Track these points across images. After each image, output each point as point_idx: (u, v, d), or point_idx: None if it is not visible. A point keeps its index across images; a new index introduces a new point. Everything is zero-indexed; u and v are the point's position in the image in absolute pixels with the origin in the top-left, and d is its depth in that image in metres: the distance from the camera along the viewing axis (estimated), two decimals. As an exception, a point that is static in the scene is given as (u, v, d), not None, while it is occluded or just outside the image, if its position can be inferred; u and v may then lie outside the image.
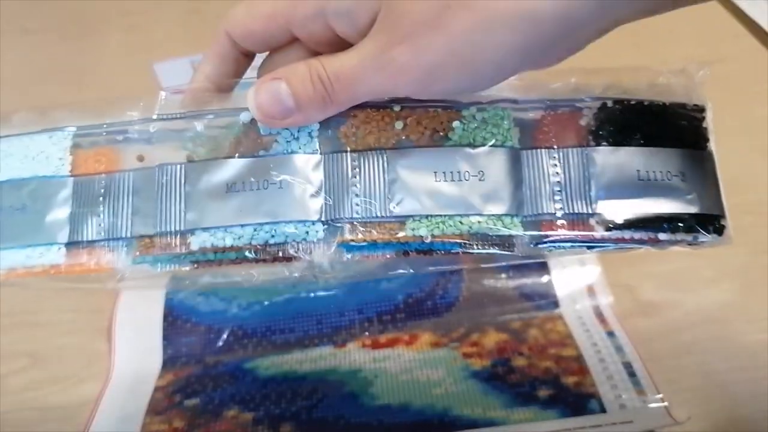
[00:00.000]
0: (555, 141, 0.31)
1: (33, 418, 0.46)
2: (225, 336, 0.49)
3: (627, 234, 0.30)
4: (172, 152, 0.31)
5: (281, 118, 0.29)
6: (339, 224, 0.30)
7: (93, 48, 0.72)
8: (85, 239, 0.31)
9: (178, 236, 0.30)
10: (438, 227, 0.29)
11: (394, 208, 0.29)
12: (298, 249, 0.30)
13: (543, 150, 0.31)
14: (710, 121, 0.31)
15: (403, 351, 0.47)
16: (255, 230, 0.29)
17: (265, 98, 0.29)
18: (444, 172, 0.30)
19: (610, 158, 0.30)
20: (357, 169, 0.30)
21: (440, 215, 0.29)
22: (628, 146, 0.30)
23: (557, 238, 0.30)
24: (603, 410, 0.42)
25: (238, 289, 0.50)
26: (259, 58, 0.33)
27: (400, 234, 0.29)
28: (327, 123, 0.30)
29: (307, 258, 0.30)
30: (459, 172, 0.30)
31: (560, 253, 0.31)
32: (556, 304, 0.49)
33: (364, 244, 0.30)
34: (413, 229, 0.29)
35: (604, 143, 0.30)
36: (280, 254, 0.30)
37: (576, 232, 0.30)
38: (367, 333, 0.49)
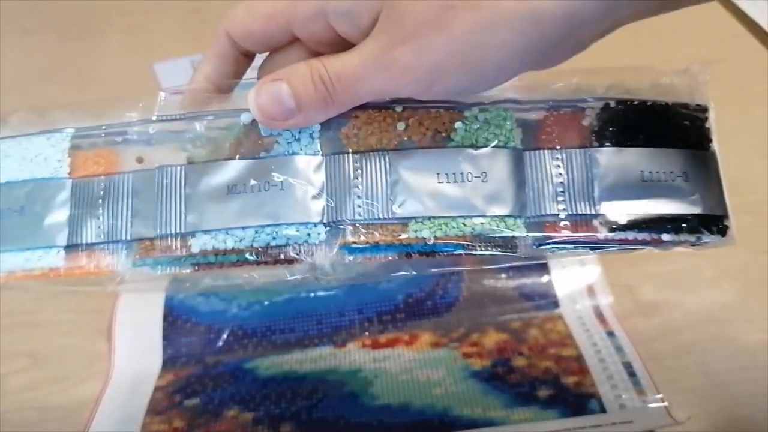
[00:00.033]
0: (558, 142, 0.30)
1: (33, 418, 0.45)
2: (225, 336, 0.48)
3: (630, 235, 0.30)
4: (171, 154, 0.30)
5: (282, 119, 0.29)
6: (341, 226, 0.29)
7: (93, 48, 0.72)
8: (84, 242, 0.30)
9: (179, 239, 0.29)
10: (441, 229, 0.29)
11: (396, 209, 0.29)
12: (299, 251, 0.29)
13: (546, 151, 0.30)
14: (713, 122, 0.31)
15: (403, 351, 0.47)
16: (256, 232, 0.29)
17: (266, 99, 0.28)
18: (446, 174, 0.29)
19: (613, 159, 0.30)
20: (359, 171, 0.30)
21: (443, 217, 0.29)
22: (632, 147, 0.30)
23: (560, 239, 0.30)
24: (603, 410, 0.42)
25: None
26: (259, 59, 0.32)
27: (403, 236, 0.29)
28: (328, 124, 0.30)
29: (308, 260, 0.29)
30: (461, 173, 0.29)
31: (563, 255, 0.30)
32: (556, 304, 0.49)
33: (366, 246, 0.29)
34: (416, 231, 0.29)
35: (607, 144, 0.30)
36: (282, 256, 0.29)
37: (579, 234, 0.30)
38: (367, 333, 0.48)
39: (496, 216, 0.29)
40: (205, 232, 0.29)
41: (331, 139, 0.30)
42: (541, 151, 0.30)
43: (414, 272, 0.31)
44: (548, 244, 0.30)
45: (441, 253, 0.30)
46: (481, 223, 0.29)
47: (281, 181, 0.29)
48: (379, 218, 0.29)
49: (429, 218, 0.29)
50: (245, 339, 0.48)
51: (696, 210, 0.30)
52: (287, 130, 0.30)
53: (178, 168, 0.30)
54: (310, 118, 0.29)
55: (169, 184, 0.30)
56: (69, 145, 0.31)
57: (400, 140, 0.30)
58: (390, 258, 0.30)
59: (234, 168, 0.29)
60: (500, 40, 0.25)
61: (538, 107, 0.31)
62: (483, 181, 0.29)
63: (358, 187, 0.29)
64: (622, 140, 0.30)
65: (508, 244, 0.30)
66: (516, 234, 0.29)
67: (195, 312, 0.49)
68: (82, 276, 0.30)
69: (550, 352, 0.46)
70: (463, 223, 0.29)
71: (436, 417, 0.42)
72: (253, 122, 0.30)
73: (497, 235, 0.29)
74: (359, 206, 0.29)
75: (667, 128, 0.31)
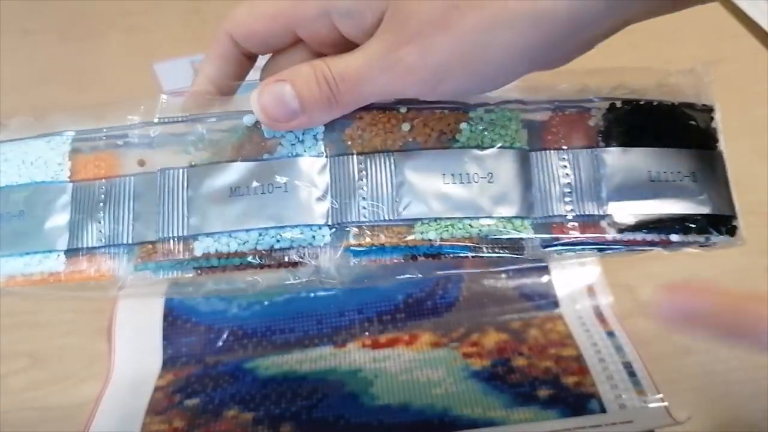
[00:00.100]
0: (564, 142, 0.30)
1: (33, 418, 0.45)
2: (225, 336, 0.48)
3: (639, 236, 0.29)
4: (173, 156, 0.30)
5: (286, 121, 0.28)
6: (346, 228, 0.29)
7: (93, 48, 0.71)
8: (85, 246, 0.30)
9: (181, 242, 0.29)
10: (447, 230, 0.29)
11: (401, 211, 0.29)
12: (303, 254, 0.29)
13: (552, 151, 0.30)
14: (719, 121, 0.31)
15: (403, 351, 0.47)
16: (260, 235, 0.28)
17: (269, 100, 0.28)
18: (452, 174, 0.29)
19: (620, 159, 0.29)
20: (363, 172, 0.29)
21: (449, 218, 0.29)
22: (638, 147, 0.30)
23: (568, 240, 0.29)
24: (603, 410, 0.41)
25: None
26: (261, 60, 0.32)
27: (409, 237, 0.29)
28: (332, 125, 0.29)
29: (313, 263, 0.29)
30: (467, 174, 0.29)
31: (570, 257, 0.30)
32: (556, 304, 0.49)
33: (372, 248, 0.29)
34: (422, 233, 0.28)
35: (614, 144, 0.30)
36: (286, 259, 0.29)
37: (587, 235, 0.29)
38: (367, 333, 0.48)
39: (502, 217, 0.29)
40: (208, 235, 0.29)
41: (335, 141, 0.29)
42: (548, 151, 0.30)
43: (420, 275, 0.31)
44: (555, 245, 0.29)
45: (447, 255, 0.29)
46: (488, 225, 0.29)
47: (285, 183, 0.29)
48: (385, 220, 0.29)
49: (435, 220, 0.29)
50: (245, 339, 0.48)
51: (704, 210, 0.29)
52: (291, 131, 0.29)
53: (180, 170, 0.29)
54: (314, 120, 0.29)
55: (170, 186, 0.29)
56: (69, 149, 0.31)
57: (405, 141, 0.29)
58: (395, 260, 0.30)
59: (236, 170, 0.29)
60: (506, 41, 0.25)
61: (544, 108, 0.31)
62: (489, 182, 0.29)
63: (363, 188, 0.29)
64: (628, 140, 0.30)
65: (515, 245, 0.29)
66: (523, 235, 0.29)
67: (195, 312, 0.49)
68: (82, 280, 0.30)
69: (550, 352, 0.45)
70: (470, 225, 0.29)
71: (436, 417, 0.42)
72: (256, 124, 0.29)
73: (504, 236, 0.29)
74: (364, 208, 0.29)
75: (674, 128, 0.30)
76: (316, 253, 0.29)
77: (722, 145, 0.31)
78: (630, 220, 0.29)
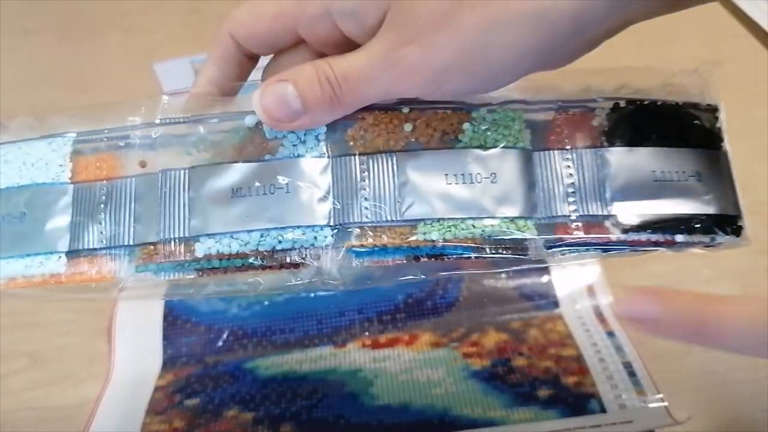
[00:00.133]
0: (568, 142, 0.30)
1: (33, 418, 0.45)
2: (225, 336, 0.48)
3: (643, 236, 0.29)
4: (175, 157, 0.29)
5: (288, 121, 0.28)
6: (348, 229, 0.28)
7: (93, 48, 0.71)
8: (86, 247, 0.29)
9: (182, 243, 0.28)
10: (450, 231, 0.28)
11: (404, 211, 0.28)
12: (305, 255, 0.28)
13: (556, 151, 0.30)
14: (724, 121, 0.30)
15: (403, 351, 0.47)
16: (261, 236, 0.28)
17: (271, 100, 0.27)
18: (455, 175, 0.29)
19: (624, 159, 0.29)
20: (366, 173, 0.29)
21: (452, 218, 0.28)
22: (643, 146, 0.29)
23: (572, 241, 0.29)
24: (603, 410, 0.41)
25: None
26: (263, 60, 0.32)
27: (411, 238, 0.28)
28: (334, 126, 0.29)
29: (315, 264, 0.28)
30: (470, 175, 0.29)
31: (574, 257, 0.30)
32: (556, 304, 0.49)
33: (374, 249, 0.29)
34: (424, 233, 0.28)
35: (618, 144, 0.29)
36: (288, 260, 0.28)
37: (591, 235, 0.29)
38: (367, 333, 0.48)
39: (506, 217, 0.28)
40: (210, 236, 0.28)
41: (338, 142, 0.29)
42: (551, 151, 0.30)
43: (422, 276, 0.30)
44: (559, 246, 0.29)
45: (450, 256, 0.29)
46: (491, 225, 0.28)
47: (286, 184, 0.28)
48: (387, 220, 0.28)
49: (438, 220, 0.28)
50: (245, 339, 0.48)
51: (709, 210, 0.29)
52: (292, 132, 0.29)
53: (182, 171, 0.29)
54: (316, 120, 0.28)
55: (172, 187, 0.29)
56: (70, 150, 0.31)
57: (408, 142, 0.29)
58: (398, 261, 0.29)
59: (238, 171, 0.29)
60: (509, 40, 0.24)
61: (547, 108, 0.30)
62: (492, 182, 0.29)
63: (365, 189, 0.29)
64: (633, 140, 0.29)
65: (519, 246, 0.29)
66: (527, 236, 0.28)
67: (195, 312, 0.49)
68: (83, 282, 0.30)
69: (550, 352, 0.45)
70: (473, 225, 0.28)
71: (436, 417, 0.42)
72: (258, 125, 0.29)
73: (507, 236, 0.28)
74: (367, 208, 0.29)
75: (678, 128, 0.30)
76: (318, 254, 0.29)
77: (727, 145, 0.30)
78: (634, 221, 0.29)
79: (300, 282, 0.29)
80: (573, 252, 0.29)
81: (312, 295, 0.50)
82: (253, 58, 0.32)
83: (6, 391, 0.46)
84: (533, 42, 0.25)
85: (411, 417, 0.42)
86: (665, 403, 0.41)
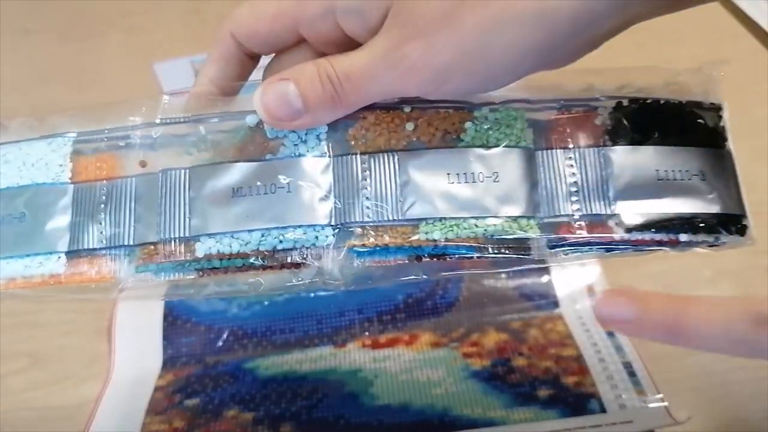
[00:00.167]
0: (570, 141, 0.29)
1: (33, 418, 0.45)
2: (225, 336, 0.48)
3: (647, 235, 0.28)
4: (175, 157, 0.29)
5: (289, 120, 0.28)
6: (349, 228, 0.28)
7: (93, 48, 0.71)
8: (85, 248, 0.29)
9: (183, 243, 0.28)
10: (452, 230, 0.28)
11: (406, 210, 0.28)
12: (306, 255, 0.28)
13: (558, 150, 0.29)
14: (727, 120, 0.30)
15: (403, 351, 0.46)
16: (262, 236, 0.28)
17: (272, 99, 0.27)
18: (457, 174, 0.28)
19: (627, 158, 0.29)
20: (367, 172, 0.29)
21: (454, 218, 0.28)
22: (646, 145, 0.29)
23: (575, 240, 0.29)
24: (603, 410, 0.41)
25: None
26: (264, 60, 0.32)
27: (413, 237, 0.28)
28: (335, 125, 0.29)
29: (316, 264, 0.28)
30: (473, 174, 0.28)
31: (577, 257, 0.29)
32: (556, 304, 0.48)
33: (376, 248, 0.28)
34: (427, 233, 0.28)
35: (621, 143, 0.29)
36: (288, 260, 0.28)
37: (594, 234, 0.28)
38: (367, 333, 0.48)
39: (508, 217, 0.28)
40: (210, 235, 0.28)
41: (339, 141, 0.29)
42: (554, 150, 0.29)
43: (424, 276, 0.30)
44: (562, 245, 0.29)
45: (452, 256, 0.29)
46: (494, 224, 0.28)
47: (288, 183, 0.28)
48: (389, 220, 0.28)
49: (440, 219, 0.28)
50: (245, 339, 0.48)
51: (714, 209, 0.29)
52: (293, 131, 0.29)
53: (182, 171, 0.29)
54: (318, 119, 0.28)
55: (172, 187, 0.29)
56: (71, 150, 0.31)
57: (409, 141, 0.29)
58: (399, 261, 0.29)
59: (239, 170, 0.28)
60: (508, 40, 0.24)
61: (550, 107, 0.30)
62: (495, 181, 0.28)
63: (366, 188, 0.28)
64: (636, 139, 0.29)
65: (522, 245, 0.28)
66: (530, 235, 0.28)
67: (195, 312, 0.49)
68: (83, 283, 0.29)
69: (550, 352, 0.45)
70: (475, 224, 0.28)
71: (436, 417, 0.42)
72: (259, 124, 0.29)
73: (510, 236, 0.28)
74: (368, 208, 0.28)
75: (682, 127, 0.30)
76: (320, 254, 0.28)
77: (731, 144, 0.30)
78: (638, 220, 0.28)
79: (301, 282, 0.29)
80: (576, 252, 0.29)
81: (312, 295, 0.49)
82: (254, 58, 0.32)
83: (6, 391, 0.46)
84: (533, 42, 0.24)
85: (411, 417, 0.42)
86: (665, 403, 0.41)
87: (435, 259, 0.29)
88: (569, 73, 0.29)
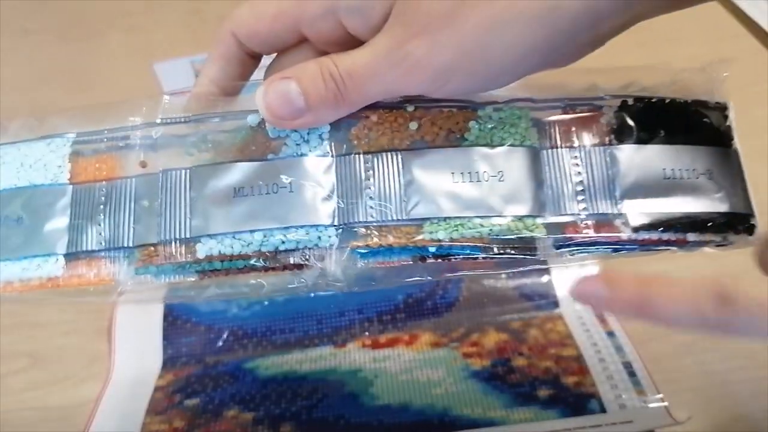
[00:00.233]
0: (576, 140, 0.29)
1: (33, 418, 0.44)
2: (225, 336, 0.48)
3: (654, 235, 0.28)
4: (176, 158, 0.29)
5: (291, 119, 0.27)
6: (353, 228, 0.28)
7: (93, 48, 0.71)
8: (84, 249, 0.29)
9: (183, 244, 0.28)
10: (457, 230, 0.27)
11: (410, 210, 0.28)
12: (309, 256, 0.28)
13: (564, 149, 0.29)
14: (733, 120, 0.30)
15: (403, 351, 0.46)
16: (264, 236, 0.27)
17: (274, 98, 0.27)
18: (462, 173, 0.28)
19: (633, 157, 0.29)
20: (370, 171, 0.28)
21: (459, 217, 0.27)
22: (652, 144, 0.29)
23: (582, 240, 0.28)
24: (603, 410, 0.41)
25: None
26: (266, 59, 0.31)
27: (417, 238, 0.27)
28: (338, 124, 0.28)
29: (318, 265, 0.28)
30: (477, 173, 0.28)
31: (583, 257, 0.29)
32: (556, 304, 0.48)
33: (379, 249, 0.28)
34: (431, 233, 0.27)
35: (627, 141, 0.29)
36: (291, 261, 0.28)
37: (601, 234, 0.28)
38: (367, 333, 0.48)
39: (514, 216, 0.28)
40: (211, 236, 0.27)
41: (341, 140, 0.29)
42: (559, 149, 0.29)
43: (429, 277, 0.30)
44: (569, 245, 0.28)
45: (457, 256, 0.28)
46: (499, 224, 0.28)
47: (290, 183, 0.28)
48: (393, 220, 0.28)
49: (444, 219, 0.28)
50: (245, 339, 0.47)
51: (721, 209, 0.28)
52: (296, 131, 0.28)
53: (183, 171, 0.28)
54: (320, 118, 0.28)
55: (173, 188, 0.28)
56: (70, 151, 0.30)
57: (413, 140, 0.28)
58: (403, 262, 0.29)
59: (240, 170, 0.28)
60: (508, 40, 0.24)
61: (554, 106, 0.30)
62: (500, 181, 0.28)
63: (370, 188, 0.28)
64: (642, 138, 0.29)
65: (527, 245, 0.28)
66: (536, 234, 0.28)
67: (195, 312, 0.49)
68: (81, 285, 0.29)
69: (550, 352, 0.45)
70: (480, 224, 0.27)
71: (436, 417, 0.41)
72: (260, 124, 0.28)
73: (515, 236, 0.28)
74: (371, 207, 0.28)
75: (688, 125, 0.29)
76: (322, 255, 0.28)
77: (737, 143, 0.30)
78: (645, 219, 0.28)
79: (303, 284, 0.29)
80: (582, 252, 0.29)
81: (312, 295, 0.49)
82: (256, 58, 0.31)
83: (6, 391, 0.46)
84: (534, 42, 0.24)
85: (411, 417, 0.42)
86: (665, 403, 0.41)
87: (439, 260, 0.29)
88: (572, 73, 0.28)
